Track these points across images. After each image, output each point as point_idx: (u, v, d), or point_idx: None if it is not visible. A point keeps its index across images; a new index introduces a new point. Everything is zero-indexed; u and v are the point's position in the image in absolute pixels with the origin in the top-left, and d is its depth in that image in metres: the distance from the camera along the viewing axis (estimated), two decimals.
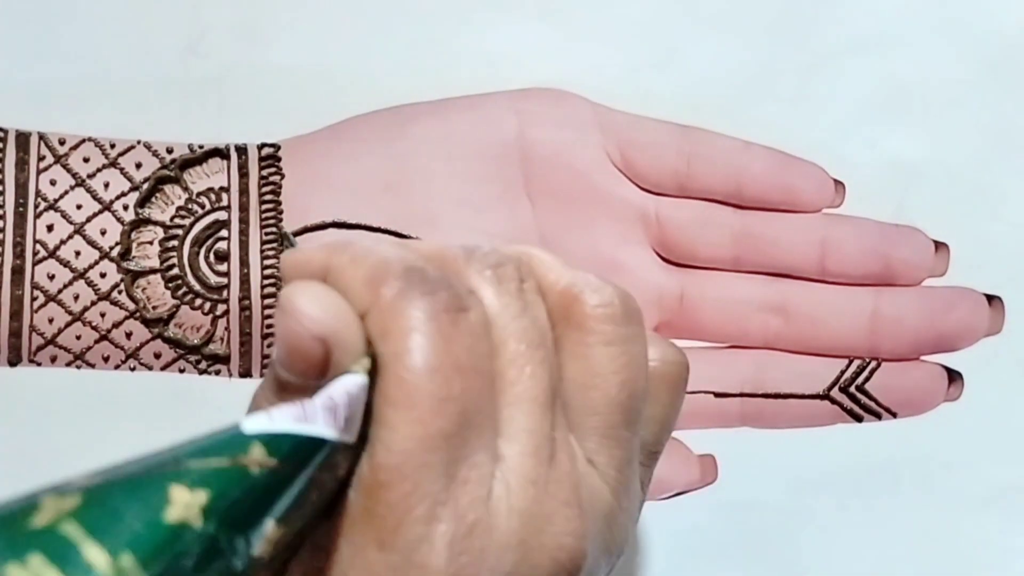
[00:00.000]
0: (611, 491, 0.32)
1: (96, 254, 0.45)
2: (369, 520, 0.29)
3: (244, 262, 0.45)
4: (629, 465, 0.33)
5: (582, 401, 0.32)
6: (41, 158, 0.45)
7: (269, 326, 0.45)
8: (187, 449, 0.28)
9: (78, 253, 0.45)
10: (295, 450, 0.28)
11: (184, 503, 0.27)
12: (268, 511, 0.28)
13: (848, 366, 0.47)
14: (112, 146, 0.46)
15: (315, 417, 0.29)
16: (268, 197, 0.46)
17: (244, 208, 0.46)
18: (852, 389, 0.47)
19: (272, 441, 0.28)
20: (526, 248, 0.34)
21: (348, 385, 0.29)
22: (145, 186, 0.45)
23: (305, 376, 0.30)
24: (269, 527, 0.28)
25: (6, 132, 0.46)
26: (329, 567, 0.30)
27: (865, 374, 0.47)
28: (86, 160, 0.45)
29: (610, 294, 0.33)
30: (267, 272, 0.45)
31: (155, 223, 0.45)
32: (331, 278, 0.31)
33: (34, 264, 0.45)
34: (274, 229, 0.46)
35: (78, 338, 0.45)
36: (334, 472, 0.29)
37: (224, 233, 0.45)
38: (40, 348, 0.45)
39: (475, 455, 0.30)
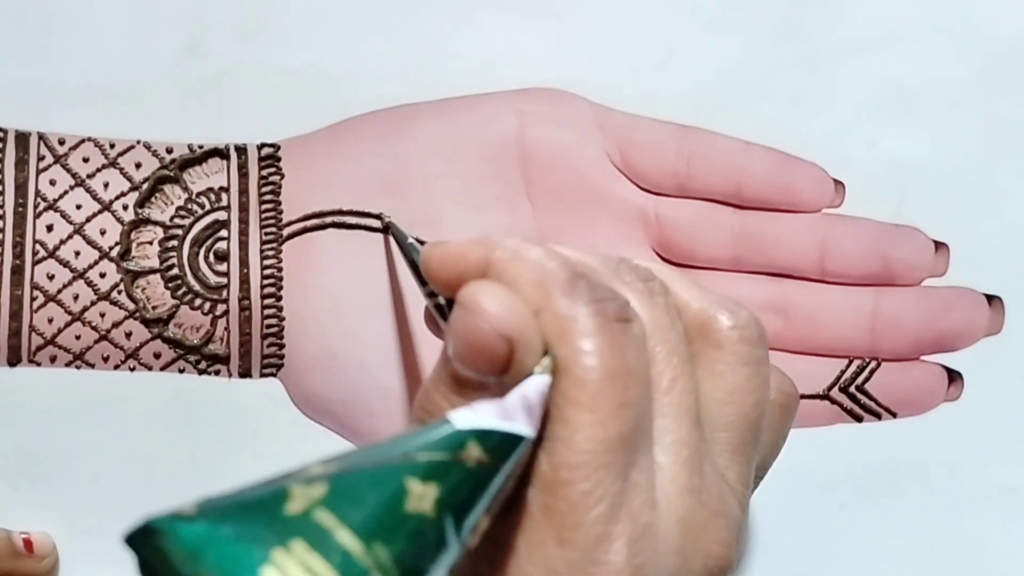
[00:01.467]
0: (739, 505, 0.33)
1: (96, 254, 0.45)
2: (549, 517, 0.30)
3: (244, 262, 0.45)
4: (750, 482, 0.34)
5: (716, 417, 0.33)
6: (41, 158, 0.45)
7: (269, 326, 0.45)
8: (411, 443, 0.29)
9: (78, 253, 0.45)
10: (499, 446, 0.30)
11: (419, 494, 0.28)
12: (481, 504, 0.29)
13: (848, 366, 0.47)
14: (112, 146, 0.46)
15: (515, 414, 0.30)
16: (268, 197, 0.46)
17: (244, 208, 0.46)
18: (852, 389, 0.47)
19: (483, 437, 0.29)
20: (657, 266, 0.35)
21: (539, 385, 0.30)
22: (145, 186, 0.45)
23: (488, 373, 0.31)
24: (482, 519, 0.29)
25: (6, 132, 0.46)
26: (505, 561, 0.30)
27: (865, 374, 0.47)
28: (86, 160, 0.46)
29: (747, 317, 0.34)
30: (267, 272, 0.45)
31: (155, 223, 0.45)
32: (492, 275, 0.32)
33: (34, 264, 0.45)
34: (274, 229, 0.46)
35: (78, 338, 0.45)
36: (519, 469, 0.30)
37: (224, 233, 0.45)
38: (40, 348, 0.45)
39: (641, 460, 0.31)
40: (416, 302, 0.45)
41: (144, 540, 0.27)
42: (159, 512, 0.27)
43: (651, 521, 0.30)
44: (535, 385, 0.30)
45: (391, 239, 0.46)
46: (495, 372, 0.31)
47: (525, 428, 0.30)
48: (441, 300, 0.37)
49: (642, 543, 0.30)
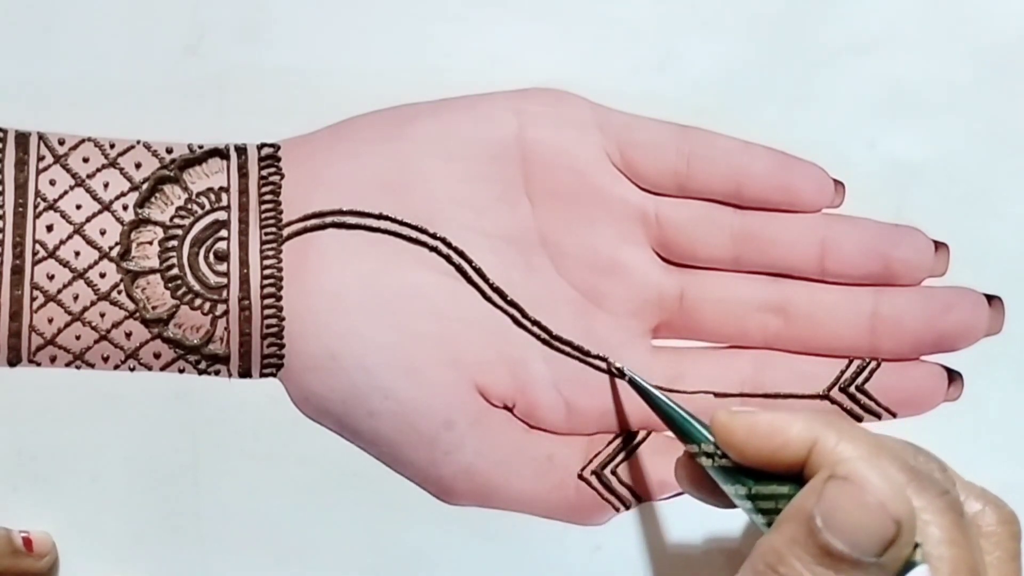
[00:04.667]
0: None
1: (96, 254, 0.45)
2: None
3: (244, 262, 0.45)
4: None
5: None
6: (41, 158, 0.45)
7: (269, 326, 0.45)
8: None
9: (78, 253, 0.45)
10: None
11: None
12: None
13: (848, 366, 0.47)
14: (112, 146, 0.46)
15: None
16: (268, 197, 0.46)
17: (244, 208, 0.46)
18: (852, 389, 0.47)
19: None
20: (927, 452, 0.38)
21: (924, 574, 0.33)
22: (145, 186, 0.45)
23: (868, 553, 0.33)
24: None
25: (6, 132, 0.46)
26: None
27: (865, 374, 0.47)
28: (86, 160, 0.46)
29: (1010, 513, 0.37)
30: (267, 272, 0.45)
31: (155, 223, 0.45)
32: (821, 459, 0.36)
33: (34, 264, 0.45)
34: (274, 229, 0.46)
35: (78, 338, 0.45)
36: None
37: (224, 233, 0.45)
38: (40, 348, 0.45)
39: None
40: (416, 302, 0.46)
41: None
42: None
43: None
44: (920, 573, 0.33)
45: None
46: (876, 552, 0.32)
47: None
48: (726, 463, 0.40)
49: None
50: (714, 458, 0.40)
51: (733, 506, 0.41)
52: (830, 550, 0.33)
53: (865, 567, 0.33)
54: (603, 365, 0.46)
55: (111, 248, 0.45)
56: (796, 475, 0.38)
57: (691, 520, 0.47)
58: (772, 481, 0.39)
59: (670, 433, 0.46)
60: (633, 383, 0.45)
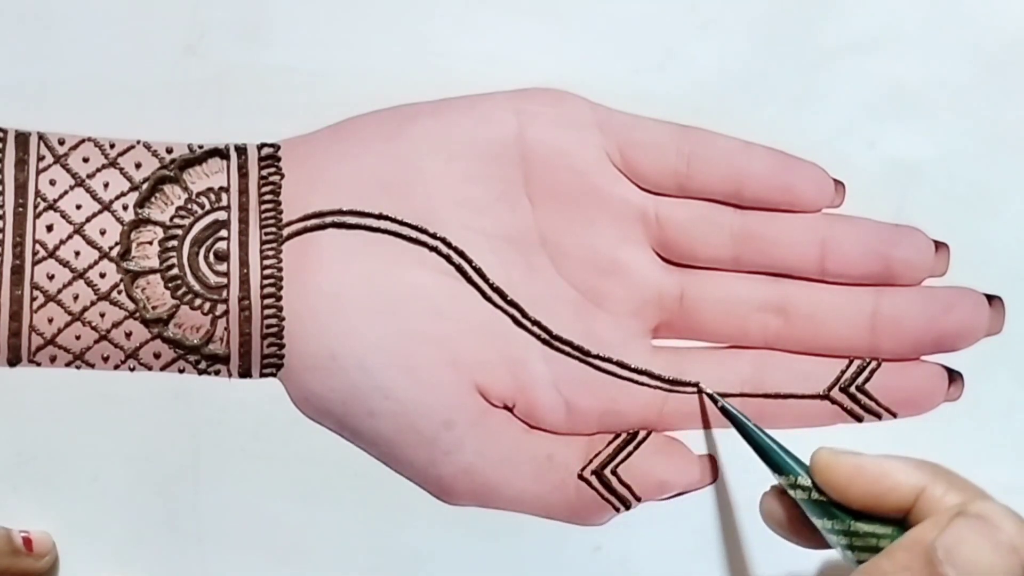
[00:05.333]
0: None
1: (96, 254, 0.45)
2: None
3: (244, 262, 0.45)
4: None
5: None
6: (41, 158, 0.45)
7: (269, 326, 0.45)
8: None
9: (78, 253, 0.45)
10: None
11: None
12: None
13: (848, 366, 0.47)
14: (112, 146, 0.46)
15: None
16: (268, 197, 0.46)
17: (244, 208, 0.46)
18: (852, 389, 0.47)
19: None
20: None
21: None
22: (145, 186, 0.45)
23: None
24: None
25: (6, 132, 0.46)
26: None
27: (865, 374, 0.47)
28: (86, 160, 0.46)
29: None
30: (267, 272, 0.45)
31: (155, 223, 0.45)
32: (928, 506, 0.38)
33: (34, 264, 0.45)
34: (274, 229, 0.46)
35: (78, 338, 0.45)
36: None
37: (224, 233, 0.45)
38: (40, 348, 0.45)
39: None
40: (416, 303, 0.46)
41: None
42: None
43: None
44: None
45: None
46: None
47: None
48: (820, 497, 0.41)
49: None
50: (810, 492, 0.41)
51: (818, 545, 0.42)
52: None
53: None
54: (604, 365, 0.46)
55: (111, 248, 0.45)
56: (898, 518, 0.39)
57: (691, 520, 0.47)
58: (873, 521, 0.40)
59: (670, 433, 0.46)
60: (725, 411, 0.45)
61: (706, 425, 0.47)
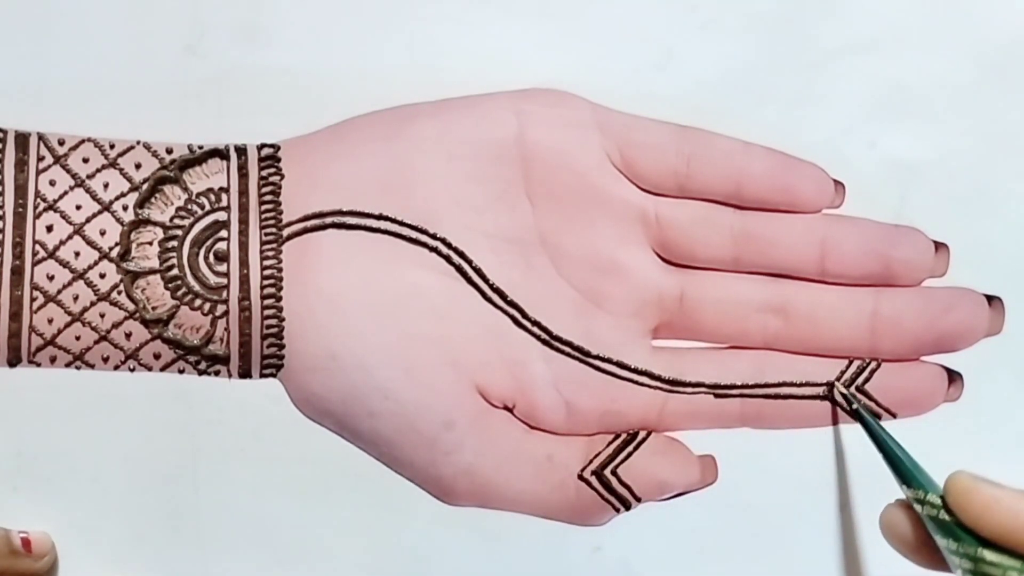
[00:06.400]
0: None
1: (96, 255, 0.45)
2: None
3: (244, 263, 0.45)
4: None
5: None
6: (41, 158, 0.45)
7: (269, 327, 0.45)
8: None
9: (78, 254, 0.45)
10: None
11: None
12: None
13: (848, 366, 0.47)
14: (111, 147, 0.46)
15: None
16: (268, 197, 0.46)
17: (244, 208, 0.46)
18: (852, 390, 0.47)
19: None
20: None
21: None
22: (145, 187, 0.45)
23: None
24: None
25: (6, 132, 0.46)
26: None
27: (865, 374, 0.47)
28: (85, 161, 0.46)
29: None
30: (266, 272, 0.45)
31: (155, 224, 0.45)
32: None
33: (34, 264, 0.45)
34: (274, 229, 0.46)
35: (78, 339, 0.45)
36: None
37: (224, 234, 0.45)
38: (40, 349, 0.45)
39: None
40: (416, 303, 0.46)
41: None
42: None
43: None
44: None
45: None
46: None
47: None
48: (949, 517, 0.40)
49: None
50: (939, 511, 0.41)
51: (932, 565, 0.42)
52: None
53: None
54: (604, 366, 0.46)
55: (111, 248, 0.45)
56: None
57: (691, 520, 0.47)
58: (1003, 552, 0.39)
59: (670, 434, 0.46)
60: (859, 416, 0.45)
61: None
